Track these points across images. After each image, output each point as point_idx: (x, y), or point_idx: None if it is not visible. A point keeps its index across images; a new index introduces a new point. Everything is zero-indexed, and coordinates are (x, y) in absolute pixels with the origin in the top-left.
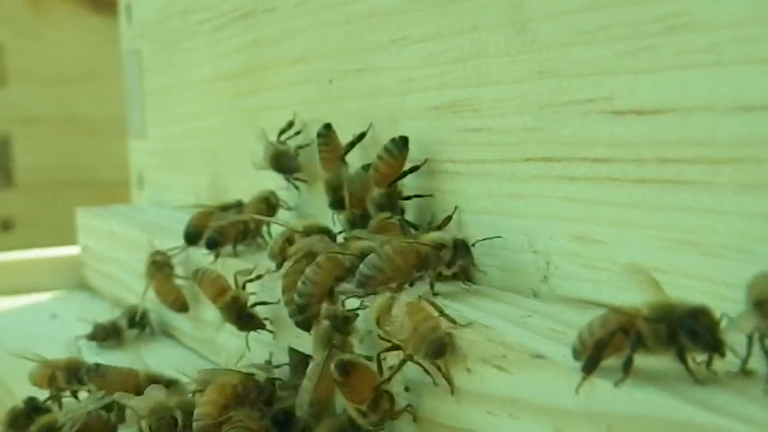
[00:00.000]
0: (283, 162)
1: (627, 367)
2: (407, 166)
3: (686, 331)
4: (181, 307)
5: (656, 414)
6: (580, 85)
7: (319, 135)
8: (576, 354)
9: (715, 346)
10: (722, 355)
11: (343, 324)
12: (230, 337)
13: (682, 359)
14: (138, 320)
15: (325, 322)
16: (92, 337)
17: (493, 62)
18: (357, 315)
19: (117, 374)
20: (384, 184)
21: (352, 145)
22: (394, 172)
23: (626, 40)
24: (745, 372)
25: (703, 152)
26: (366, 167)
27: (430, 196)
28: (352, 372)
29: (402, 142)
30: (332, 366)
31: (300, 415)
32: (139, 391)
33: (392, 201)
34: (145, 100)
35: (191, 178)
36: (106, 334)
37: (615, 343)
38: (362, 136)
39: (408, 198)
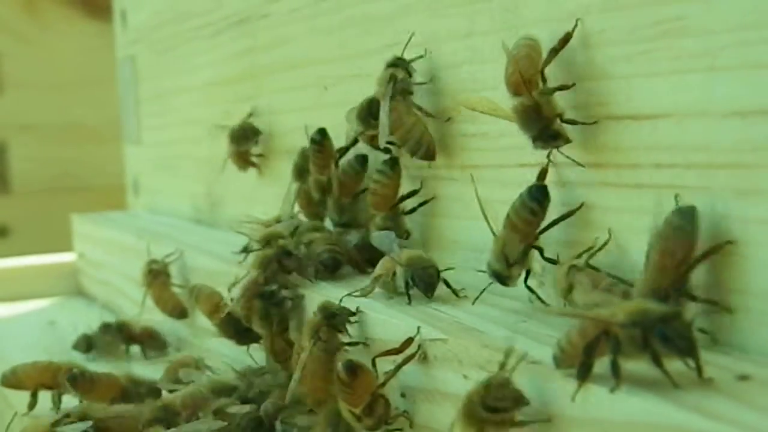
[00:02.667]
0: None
1: (615, 372)
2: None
3: (658, 336)
4: (180, 314)
5: (652, 420)
6: (575, 90)
7: (313, 141)
8: (557, 362)
9: (687, 350)
10: (696, 359)
11: (335, 319)
12: (225, 344)
13: (658, 364)
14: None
15: (317, 315)
16: (75, 346)
17: (488, 67)
18: (351, 313)
19: (101, 381)
20: (385, 207)
21: (345, 150)
22: (391, 193)
23: (621, 45)
24: (742, 377)
25: (699, 157)
26: (359, 158)
27: (432, 198)
28: (359, 374)
29: (393, 161)
30: (339, 366)
31: (288, 402)
32: (124, 396)
33: (398, 223)
34: (140, 106)
35: (187, 184)
36: (89, 345)
37: (601, 347)
38: (355, 141)
39: (412, 211)
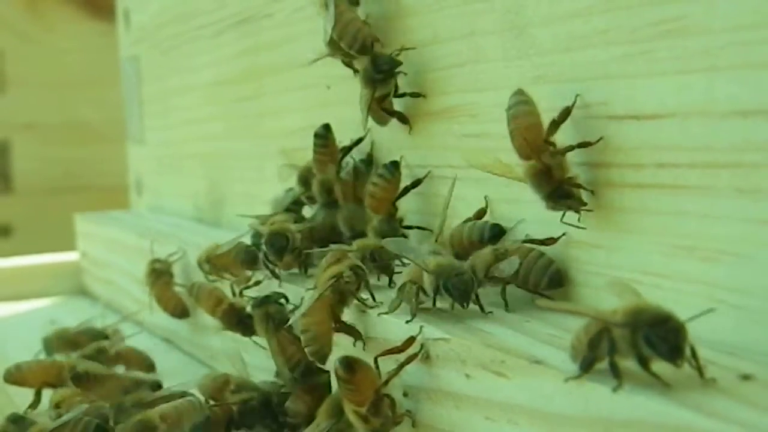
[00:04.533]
0: None
1: (614, 371)
2: (406, 182)
3: (644, 338)
4: (182, 313)
5: (654, 419)
6: (576, 90)
7: (317, 135)
8: (572, 358)
9: (672, 356)
10: (677, 366)
11: (360, 272)
12: (228, 342)
13: (644, 366)
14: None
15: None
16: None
17: (491, 67)
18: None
19: (105, 380)
20: (382, 210)
21: (348, 149)
22: (389, 197)
23: (623, 45)
24: (744, 377)
25: (701, 157)
26: (364, 161)
27: (429, 231)
28: (357, 369)
29: (393, 166)
30: (336, 362)
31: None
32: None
33: (393, 227)
34: (143, 105)
35: (190, 183)
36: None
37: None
38: (359, 141)
39: (410, 227)
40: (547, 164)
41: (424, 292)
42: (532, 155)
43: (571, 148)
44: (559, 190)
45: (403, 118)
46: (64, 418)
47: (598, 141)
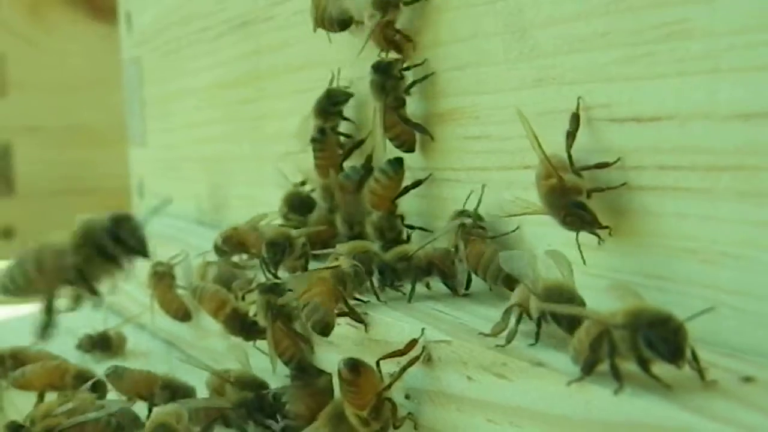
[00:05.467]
0: None
1: (614, 374)
2: (406, 183)
3: (643, 339)
4: (184, 316)
5: (655, 421)
6: (578, 93)
7: (313, 140)
8: (573, 360)
9: (672, 356)
10: (678, 367)
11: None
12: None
13: (644, 368)
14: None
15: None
16: (79, 346)
17: (492, 70)
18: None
19: (135, 377)
20: (382, 207)
21: (349, 151)
22: (391, 194)
23: (624, 48)
24: (746, 379)
25: (702, 160)
26: (364, 166)
27: (430, 232)
28: (362, 372)
29: (397, 163)
30: (341, 364)
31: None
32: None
33: (392, 224)
34: (145, 108)
35: (191, 186)
36: (92, 345)
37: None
38: (360, 143)
39: (411, 227)
40: (562, 178)
41: (530, 317)
42: (552, 173)
43: (588, 167)
44: (573, 206)
45: (422, 130)
46: (84, 417)
47: (615, 162)
